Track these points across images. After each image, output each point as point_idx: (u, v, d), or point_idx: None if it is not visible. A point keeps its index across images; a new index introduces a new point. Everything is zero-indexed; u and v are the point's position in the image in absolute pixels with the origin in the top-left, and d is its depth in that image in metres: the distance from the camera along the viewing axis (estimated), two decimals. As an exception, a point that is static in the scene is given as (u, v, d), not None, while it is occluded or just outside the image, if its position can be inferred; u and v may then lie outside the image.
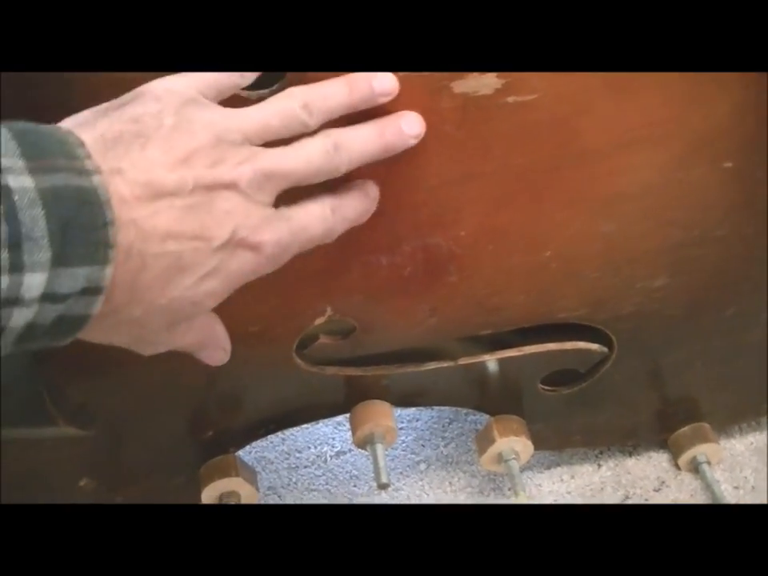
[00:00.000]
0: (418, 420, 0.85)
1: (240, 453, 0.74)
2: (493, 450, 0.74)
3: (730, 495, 0.79)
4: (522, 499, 0.73)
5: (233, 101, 0.50)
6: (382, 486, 0.69)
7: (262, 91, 0.51)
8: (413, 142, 0.53)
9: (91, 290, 0.41)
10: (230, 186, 0.45)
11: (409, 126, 0.52)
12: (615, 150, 0.58)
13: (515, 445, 0.74)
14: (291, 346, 0.64)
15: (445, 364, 0.69)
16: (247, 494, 0.72)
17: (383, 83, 0.51)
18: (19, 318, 0.39)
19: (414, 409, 0.84)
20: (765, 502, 0.79)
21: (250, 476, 0.73)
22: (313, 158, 0.48)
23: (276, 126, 0.48)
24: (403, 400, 0.73)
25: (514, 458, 0.74)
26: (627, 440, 0.82)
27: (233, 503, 0.71)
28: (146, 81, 0.47)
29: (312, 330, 0.64)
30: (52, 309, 0.40)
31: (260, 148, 0.47)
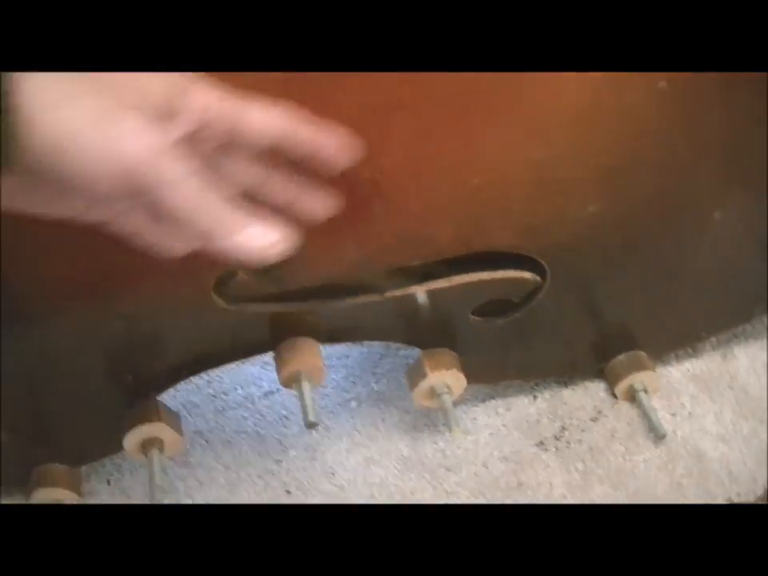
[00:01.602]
0: (348, 357, 0.83)
1: (165, 397, 0.71)
2: (424, 385, 0.72)
3: (668, 422, 0.79)
4: (457, 434, 0.72)
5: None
6: (311, 426, 0.67)
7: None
8: None
9: None
10: None
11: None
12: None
13: (447, 378, 0.72)
14: (210, 283, 0.61)
15: (372, 298, 0.66)
16: (171, 440, 0.70)
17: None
18: None
19: (343, 345, 0.81)
20: (700, 428, 0.79)
21: (173, 421, 0.70)
22: None
23: None
24: (331, 336, 0.70)
25: (446, 392, 0.72)
26: (563, 371, 0.80)
27: (155, 449, 0.69)
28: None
29: (232, 266, 0.61)
30: None
31: None
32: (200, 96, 0.47)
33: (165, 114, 0.45)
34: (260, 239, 0.47)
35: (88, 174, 0.42)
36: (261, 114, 0.49)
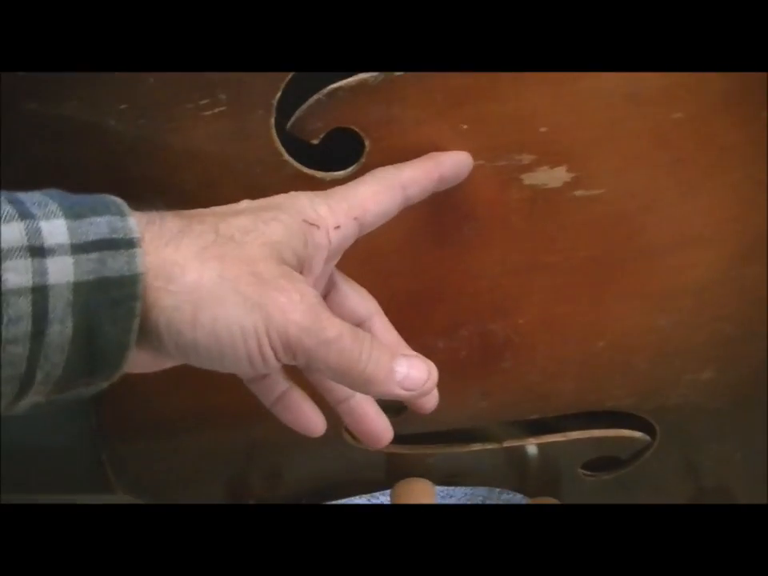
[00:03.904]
0: (451, 497, 0.85)
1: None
2: (530, 533, 0.74)
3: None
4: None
5: (305, 182, 0.51)
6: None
7: (336, 173, 0.52)
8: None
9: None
10: None
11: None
12: (676, 246, 0.58)
13: (552, 528, 0.74)
14: (342, 422, 0.64)
15: (490, 446, 0.69)
16: (282, 566, 0.72)
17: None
18: (59, 274, 0.36)
19: (448, 485, 0.84)
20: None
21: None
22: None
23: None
24: (444, 479, 0.73)
25: (550, 542, 0.74)
26: (660, 527, 0.82)
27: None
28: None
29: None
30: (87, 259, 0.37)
31: None
32: (327, 225, 0.45)
33: (300, 263, 0.44)
34: (416, 375, 0.44)
35: (245, 359, 0.41)
36: (375, 197, 0.48)
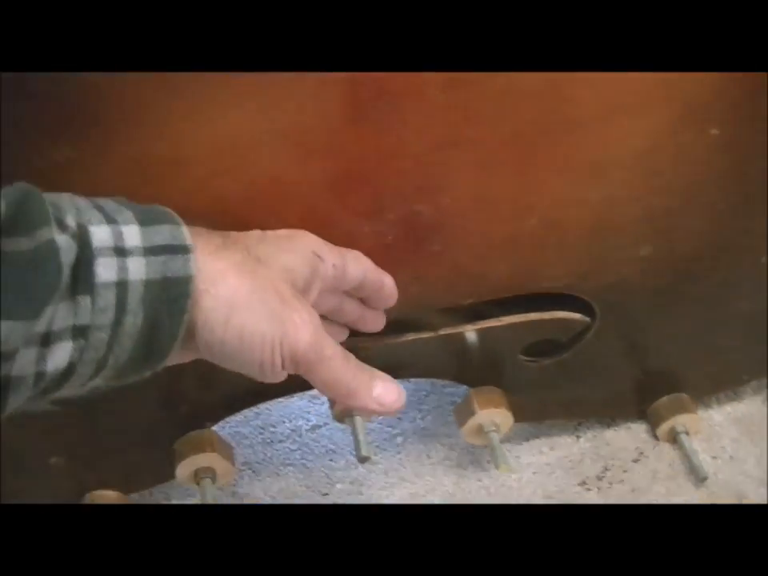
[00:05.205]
0: (393, 393, 0.84)
1: (214, 428, 0.72)
2: (473, 422, 0.73)
3: (708, 465, 0.79)
4: (504, 470, 0.72)
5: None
6: (363, 460, 0.67)
7: None
8: None
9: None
10: None
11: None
12: (604, 115, 0.56)
13: (495, 416, 0.73)
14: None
15: (425, 335, 0.68)
16: (223, 470, 0.71)
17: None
18: (136, 272, 0.44)
19: (390, 381, 0.82)
20: (741, 472, 0.79)
21: (227, 452, 0.71)
22: None
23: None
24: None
25: (494, 430, 0.73)
26: (607, 411, 0.81)
27: (208, 478, 0.70)
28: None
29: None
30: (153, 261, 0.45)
31: None
32: (329, 261, 0.55)
33: (305, 288, 0.53)
34: (389, 395, 0.56)
35: (258, 363, 0.50)
36: (355, 265, 0.58)
